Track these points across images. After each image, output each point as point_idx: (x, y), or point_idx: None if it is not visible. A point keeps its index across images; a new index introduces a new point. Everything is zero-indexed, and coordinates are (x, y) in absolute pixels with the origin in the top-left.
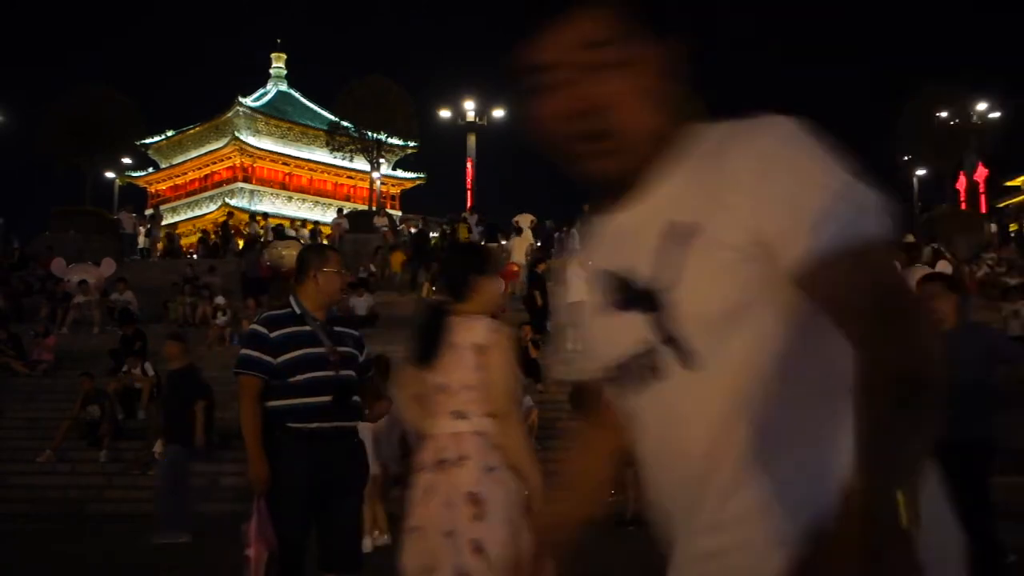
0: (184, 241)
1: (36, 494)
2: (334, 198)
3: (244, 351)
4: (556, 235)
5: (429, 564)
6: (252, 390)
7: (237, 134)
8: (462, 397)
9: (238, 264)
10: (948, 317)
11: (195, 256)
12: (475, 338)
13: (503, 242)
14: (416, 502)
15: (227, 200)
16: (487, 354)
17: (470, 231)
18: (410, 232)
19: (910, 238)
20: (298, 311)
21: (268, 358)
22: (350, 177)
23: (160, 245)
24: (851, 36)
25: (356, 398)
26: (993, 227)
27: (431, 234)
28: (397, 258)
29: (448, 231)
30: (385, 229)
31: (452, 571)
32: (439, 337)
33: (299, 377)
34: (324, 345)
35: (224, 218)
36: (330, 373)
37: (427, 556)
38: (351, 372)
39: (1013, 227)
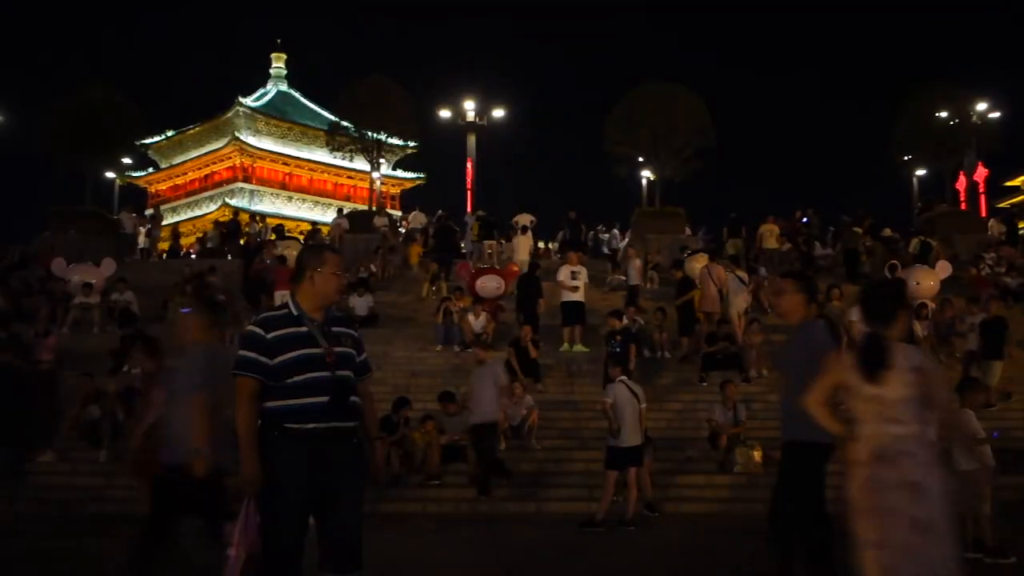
0: (184, 241)
1: (36, 494)
2: (334, 198)
3: (240, 352)
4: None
5: (881, 539)
6: (248, 391)
7: (237, 134)
8: (899, 407)
9: (240, 264)
10: (791, 314)
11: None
12: (913, 362)
13: (501, 241)
14: (863, 489)
15: (227, 200)
16: (927, 375)
17: (481, 228)
18: (408, 224)
19: (887, 231)
20: (295, 312)
21: (264, 359)
22: (350, 177)
23: (164, 245)
24: (851, 36)
25: (354, 398)
26: (1001, 227)
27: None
28: (415, 251)
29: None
30: (385, 229)
31: (900, 543)
32: (882, 358)
33: (296, 378)
34: (321, 345)
35: (230, 216)
36: (327, 373)
37: (879, 532)
38: (349, 372)
39: (1022, 224)
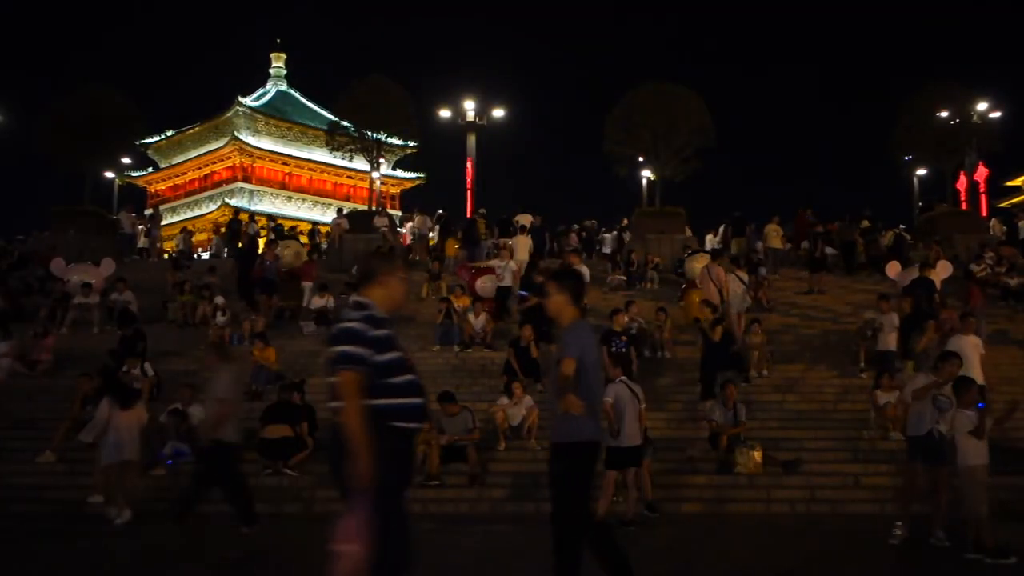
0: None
1: (36, 494)
2: (334, 198)
3: (347, 348)
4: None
5: None
6: (357, 386)
7: (237, 134)
8: None
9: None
10: (558, 316)
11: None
12: None
13: (509, 241)
14: None
15: (227, 200)
16: None
17: (488, 228)
18: (414, 229)
19: (865, 223)
20: (381, 314)
21: (369, 355)
22: (350, 177)
23: (165, 245)
24: (852, 35)
25: None
26: (1002, 227)
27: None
28: (452, 244)
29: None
30: (385, 229)
31: None
32: None
33: (398, 378)
34: (402, 348)
35: (228, 216)
36: (416, 376)
37: None
38: None
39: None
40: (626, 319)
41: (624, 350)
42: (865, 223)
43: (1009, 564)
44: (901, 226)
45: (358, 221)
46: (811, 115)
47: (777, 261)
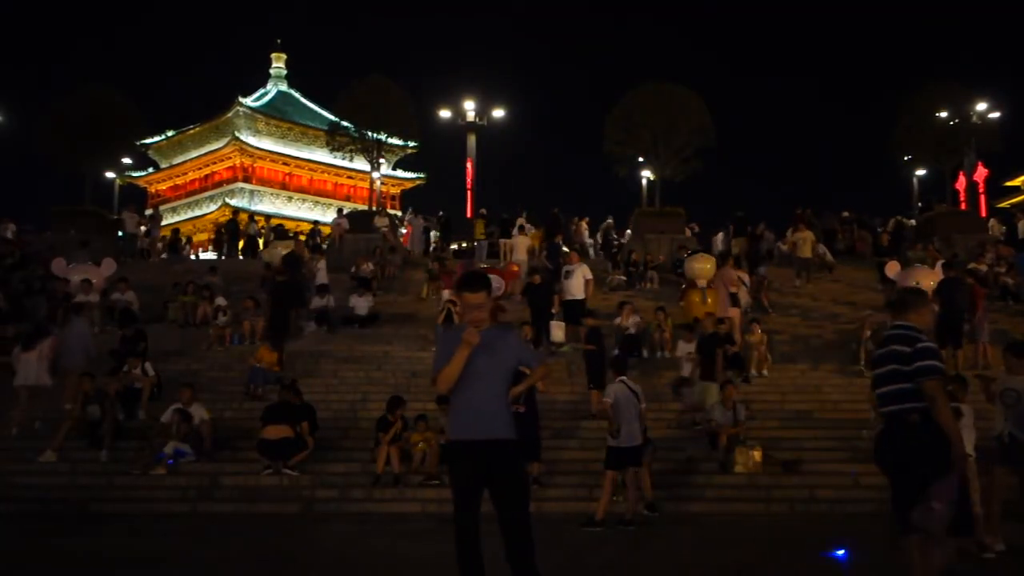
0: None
1: (37, 494)
2: (334, 198)
3: (932, 362)
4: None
5: None
6: (943, 390)
7: (237, 134)
8: None
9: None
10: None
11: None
12: None
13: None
14: None
15: (227, 200)
16: None
17: (487, 228)
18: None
19: (845, 213)
20: None
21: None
22: (350, 177)
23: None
24: (851, 36)
25: None
26: (1001, 227)
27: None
28: (479, 225)
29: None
30: (385, 229)
31: None
32: None
33: None
34: None
35: (228, 216)
36: None
37: None
38: None
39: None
40: (630, 319)
41: (617, 352)
42: (846, 214)
43: (992, 557)
44: (898, 217)
45: (358, 221)
46: (811, 115)
47: (811, 270)
